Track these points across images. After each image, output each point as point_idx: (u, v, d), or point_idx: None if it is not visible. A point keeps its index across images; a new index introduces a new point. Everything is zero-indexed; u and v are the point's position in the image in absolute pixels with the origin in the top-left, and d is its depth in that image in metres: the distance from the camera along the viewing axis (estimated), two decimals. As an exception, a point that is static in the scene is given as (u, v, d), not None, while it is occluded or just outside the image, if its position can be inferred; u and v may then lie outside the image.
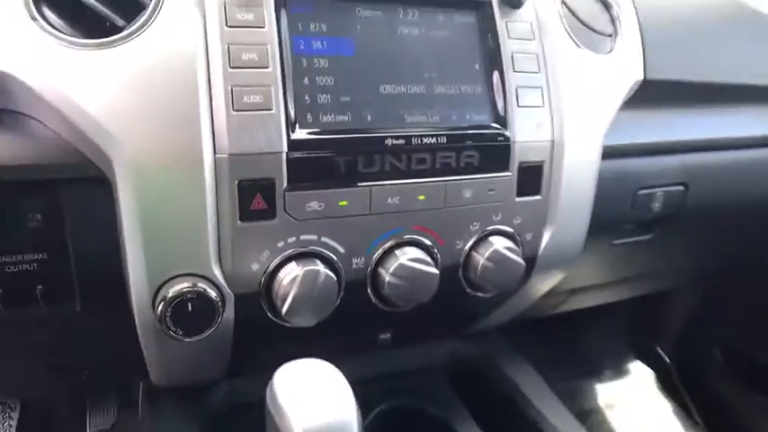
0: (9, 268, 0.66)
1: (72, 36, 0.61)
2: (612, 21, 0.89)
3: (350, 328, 0.81)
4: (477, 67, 0.75)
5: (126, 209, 0.62)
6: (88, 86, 0.60)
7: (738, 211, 1.07)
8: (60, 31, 0.61)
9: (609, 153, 0.86)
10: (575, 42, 0.82)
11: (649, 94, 0.91)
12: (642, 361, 1.57)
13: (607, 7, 0.89)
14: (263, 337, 0.73)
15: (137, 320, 0.68)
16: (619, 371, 1.55)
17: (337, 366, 0.65)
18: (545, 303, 1.12)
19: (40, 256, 0.67)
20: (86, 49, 0.61)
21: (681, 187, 0.98)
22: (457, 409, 0.99)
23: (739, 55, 1.01)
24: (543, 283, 0.90)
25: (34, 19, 0.61)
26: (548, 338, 1.47)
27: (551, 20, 0.81)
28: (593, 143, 0.82)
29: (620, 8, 0.90)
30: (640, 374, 1.55)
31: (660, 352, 1.55)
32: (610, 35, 0.88)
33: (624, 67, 0.87)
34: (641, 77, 0.89)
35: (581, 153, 0.80)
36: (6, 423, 1.11)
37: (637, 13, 0.91)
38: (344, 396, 0.57)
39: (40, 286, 0.68)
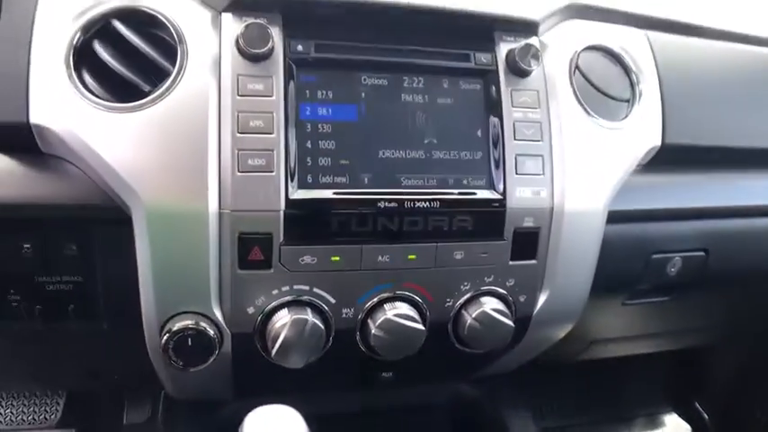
0: (48, 287, 0.77)
1: (104, 98, 0.71)
2: (632, 86, 0.90)
3: (347, 368, 0.87)
4: (478, 133, 0.78)
5: (140, 250, 0.71)
6: (114, 144, 0.69)
7: (765, 275, 1.04)
8: (94, 93, 0.71)
9: (620, 217, 0.88)
10: (585, 110, 0.84)
11: (668, 158, 0.91)
12: (679, 414, 1.53)
13: (627, 72, 0.90)
14: (261, 370, 0.80)
15: (148, 347, 0.76)
16: (653, 422, 1.52)
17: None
18: (564, 351, 1.13)
19: (75, 278, 0.77)
20: (114, 112, 0.70)
21: (701, 253, 0.97)
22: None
23: (763, 118, 0.99)
24: (545, 338, 0.92)
25: (73, 81, 0.70)
26: (583, 383, 1.47)
27: (562, 87, 0.83)
28: (596, 210, 0.83)
29: (641, 72, 0.90)
30: (676, 427, 1.51)
31: (698, 407, 1.50)
32: (627, 101, 0.89)
33: (639, 133, 0.88)
34: (658, 143, 0.89)
35: (582, 219, 0.82)
36: (54, 408, 1.26)
37: (659, 77, 0.91)
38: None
39: (72, 305, 0.78)
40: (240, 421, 1.00)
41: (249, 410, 1.00)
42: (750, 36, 1.02)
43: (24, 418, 1.27)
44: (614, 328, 1.11)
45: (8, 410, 1.26)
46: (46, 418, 1.26)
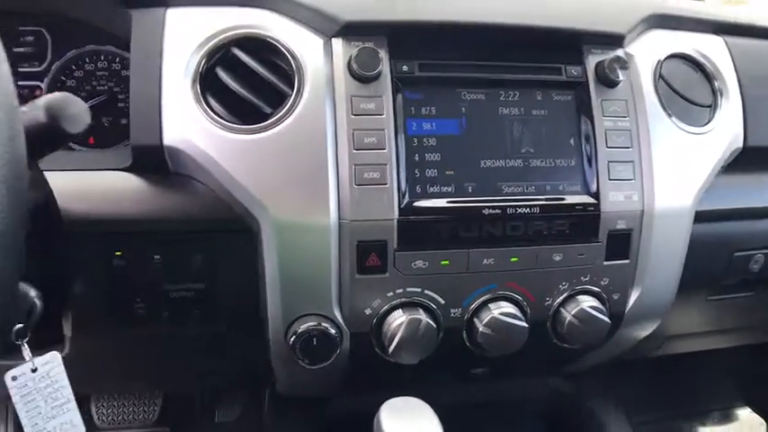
0: (172, 294, 0.84)
1: (229, 120, 0.77)
2: (713, 92, 0.93)
3: (449, 364, 0.92)
4: (572, 142, 0.83)
5: (268, 259, 0.77)
6: (242, 162, 0.76)
7: None
8: (220, 116, 0.78)
9: (705, 217, 0.91)
10: (670, 116, 0.88)
11: (751, 159, 0.95)
12: (754, 410, 1.54)
13: (709, 78, 0.94)
14: (373, 367, 0.86)
15: (271, 347, 0.83)
16: (727, 416, 1.53)
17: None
18: (641, 346, 1.16)
19: (198, 286, 0.84)
20: (241, 133, 0.76)
21: None
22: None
23: None
24: (633, 335, 0.96)
25: (201, 105, 0.77)
26: (656, 379, 1.49)
27: (648, 95, 0.87)
28: (684, 211, 0.87)
29: (721, 78, 0.94)
30: (750, 423, 1.53)
31: (773, 402, 1.51)
32: (708, 106, 0.93)
33: (721, 137, 0.91)
34: (741, 146, 0.93)
35: (671, 220, 0.86)
36: (152, 408, 1.34)
37: (739, 82, 0.94)
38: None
39: (196, 310, 0.85)
40: (345, 419, 1.07)
41: (352, 408, 1.07)
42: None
43: (125, 417, 1.35)
44: (694, 324, 1.14)
45: (109, 410, 1.35)
46: (145, 418, 1.35)
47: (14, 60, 0.92)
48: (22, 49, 0.94)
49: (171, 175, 0.81)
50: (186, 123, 0.77)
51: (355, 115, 0.77)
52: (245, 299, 0.84)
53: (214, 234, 0.81)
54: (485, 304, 0.82)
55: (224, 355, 0.96)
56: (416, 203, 0.78)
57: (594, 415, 1.07)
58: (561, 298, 0.85)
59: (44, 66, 0.94)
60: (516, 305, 0.83)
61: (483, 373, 0.98)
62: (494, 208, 0.79)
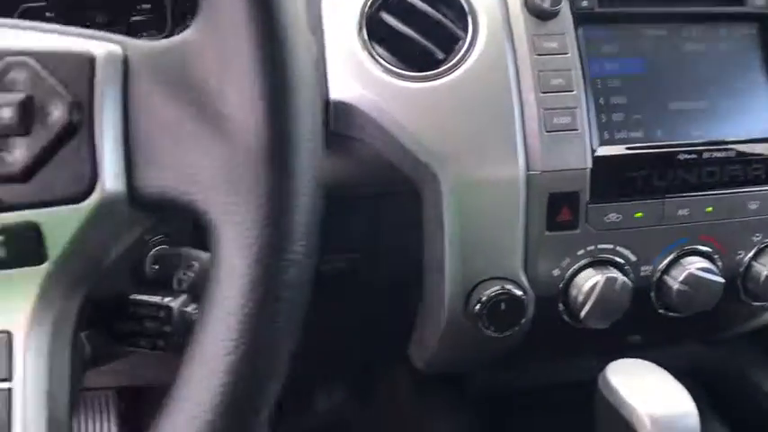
0: (321, 267, 0.77)
1: (399, 68, 0.70)
2: None
3: (615, 330, 0.85)
4: (760, 79, 0.76)
5: (447, 221, 0.70)
6: (418, 114, 0.68)
7: None
8: (390, 64, 0.70)
9: None
10: None
11: None
12: None
13: None
14: (553, 335, 0.79)
15: (446, 315, 0.75)
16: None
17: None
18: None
19: (354, 256, 0.77)
20: (415, 81, 0.69)
21: None
22: (708, 413, 1.01)
23: None
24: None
25: (370, 53, 0.70)
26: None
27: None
28: None
29: None
30: None
31: None
32: None
33: None
34: None
35: None
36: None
37: None
38: (681, 391, 0.62)
39: (350, 282, 0.79)
40: (489, 397, 1.01)
41: (495, 386, 1.01)
42: None
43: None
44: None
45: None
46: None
47: (133, 30, 0.85)
48: (140, 17, 0.86)
49: (329, 136, 0.74)
50: (355, 75, 0.69)
51: (539, 55, 0.70)
52: (403, 268, 0.78)
53: (374, 198, 0.75)
54: (676, 260, 0.75)
55: (373, 331, 0.90)
56: (608, 150, 0.71)
57: (749, 379, 1.01)
58: (753, 251, 0.78)
59: (164, 35, 0.87)
60: (708, 259, 0.76)
61: (638, 341, 0.91)
62: (689, 153, 0.73)
